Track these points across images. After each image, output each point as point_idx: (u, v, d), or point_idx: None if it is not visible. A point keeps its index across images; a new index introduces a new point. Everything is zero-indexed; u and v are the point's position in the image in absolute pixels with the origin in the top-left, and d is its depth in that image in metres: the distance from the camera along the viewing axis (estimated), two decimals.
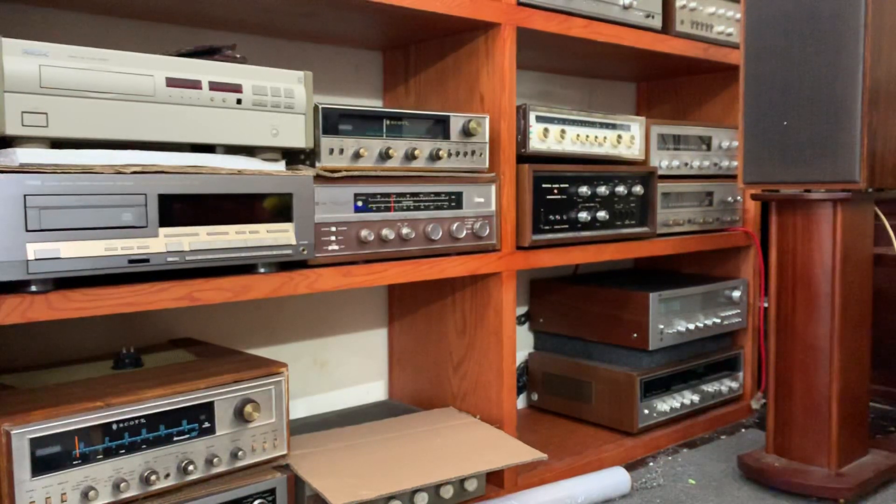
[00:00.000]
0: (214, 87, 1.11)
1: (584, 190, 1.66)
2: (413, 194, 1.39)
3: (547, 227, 1.60)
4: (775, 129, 1.60)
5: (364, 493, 1.21)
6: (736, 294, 2.08)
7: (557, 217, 1.62)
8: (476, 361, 1.60)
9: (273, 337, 1.66)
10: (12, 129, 0.95)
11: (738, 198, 2.09)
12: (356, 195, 1.31)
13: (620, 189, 1.73)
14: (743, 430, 2.03)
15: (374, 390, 1.84)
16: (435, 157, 1.41)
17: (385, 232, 1.34)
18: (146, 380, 1.16)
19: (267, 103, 1.17)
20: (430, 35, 1.61)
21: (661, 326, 1.88)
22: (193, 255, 1.09)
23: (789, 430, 1.65)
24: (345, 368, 1.78)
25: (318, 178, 1.26)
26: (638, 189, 1.76)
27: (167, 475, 1.11)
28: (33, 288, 0.97)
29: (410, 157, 1.37)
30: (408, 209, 1.39)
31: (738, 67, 2.00)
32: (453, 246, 1.45)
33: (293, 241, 1.20)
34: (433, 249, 1.42)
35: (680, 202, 1.94)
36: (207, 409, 1.15)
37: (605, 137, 1.72)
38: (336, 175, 1.28)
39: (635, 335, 1.87)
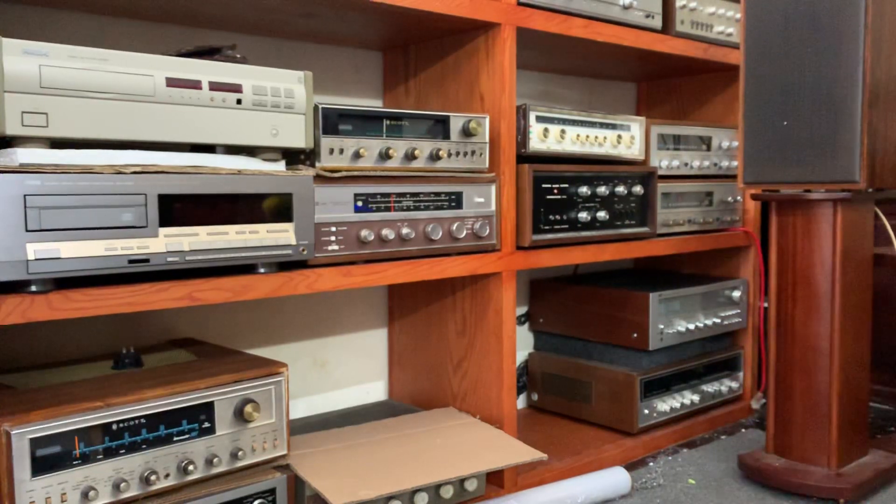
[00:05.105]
0: (214, 87, 1.11)
1: (584, 190, 1.66)
2: (413, 194, 1.39)
3: (547, 227, 1.60)
4: (775, 129, 1.60)
5: (364, 493, 1.21)
6: (736, 294, 2.08)
7: (557, 217, 1.62)
8: (476, 361, 1.60)
9: (273, 337, 1.66)
10: (12, 129, 0.95)
11: (738, 198, 2.09)
12: (356, 195, 1.31)
13: (620, 189, 1.73)
14: (743, 430, 2.03)
15: (374, 390, 1.84)
16: (435, 157, 1.41)
17: (385, 232, 1.34)
18: (146, 380, 1.16)
19: (267, 103, 1.17)
20: (430, 35, 1.61)
21: (661, 326, 1.88)
22: (193, 256, 1.09)
23: (789, 430, 1.65)
24: (345, 368, 1.78)
25: (318, 178, 1.26)
26: (638, 189, 1.76)
27: (167, 475, 1.11)
28: (33, 288, 0.97)
29: (410, 157, 1.37)
30: (408, 209, 1.39)
31: (738, 67, 2.00)
32: (453, 246, 1.45)
33: (293, 241, 1.20)
34: (433, 249, 1.42)
35: (680, 202, 1.94)
36: (207, 409, 1.15)
37: (605, 137, 1.72)
38: (336, 175, 1.28)
39: (635, 335, 1.87)
